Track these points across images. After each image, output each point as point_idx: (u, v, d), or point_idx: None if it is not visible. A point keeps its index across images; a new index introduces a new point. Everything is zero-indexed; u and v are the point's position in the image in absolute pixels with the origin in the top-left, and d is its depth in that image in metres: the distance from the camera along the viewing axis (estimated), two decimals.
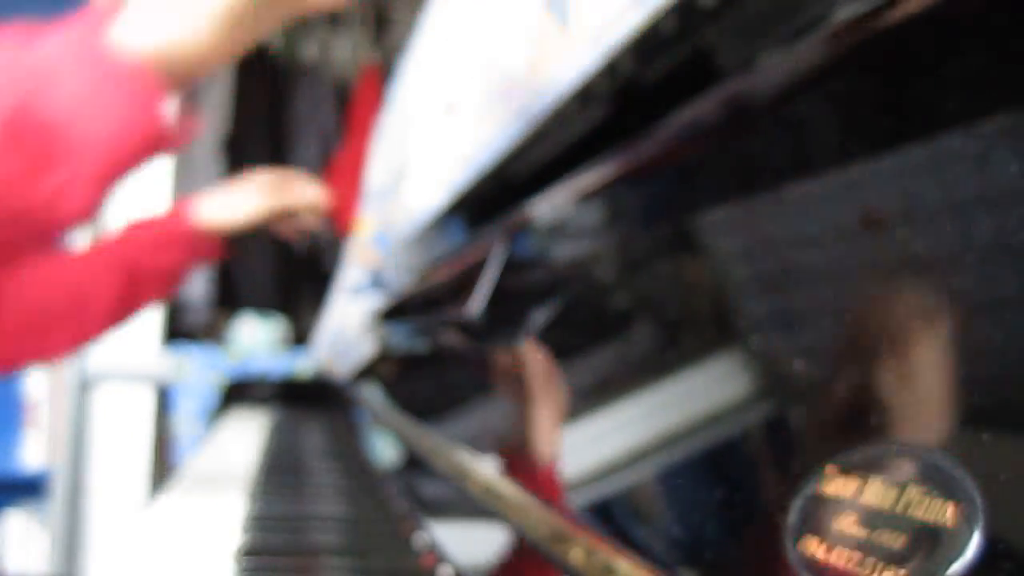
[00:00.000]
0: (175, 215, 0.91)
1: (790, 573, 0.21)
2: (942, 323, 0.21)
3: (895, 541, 0.19)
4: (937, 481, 0.18)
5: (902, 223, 0.23)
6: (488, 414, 0.56)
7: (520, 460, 0.43)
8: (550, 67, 0.56)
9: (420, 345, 0.88)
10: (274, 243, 2.54)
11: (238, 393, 1.27)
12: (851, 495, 0.20)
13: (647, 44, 0.43)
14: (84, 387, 1.98)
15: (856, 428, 0.22)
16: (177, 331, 2.29)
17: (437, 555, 0.46)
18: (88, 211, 0.50)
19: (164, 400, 2.10)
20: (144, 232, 0.88)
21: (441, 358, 0.77)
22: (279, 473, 0.73)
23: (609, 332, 0.41)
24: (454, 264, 0.74)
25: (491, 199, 0.71)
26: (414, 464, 0.66)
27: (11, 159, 0.45)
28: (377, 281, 1.29)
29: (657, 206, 0.41)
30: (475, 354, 0.63)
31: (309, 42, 2.71)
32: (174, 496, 0.71)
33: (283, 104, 2.61)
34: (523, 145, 0.60)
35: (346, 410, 1.13)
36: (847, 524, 0.20)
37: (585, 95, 0.51)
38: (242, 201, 0.94)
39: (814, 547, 0.21)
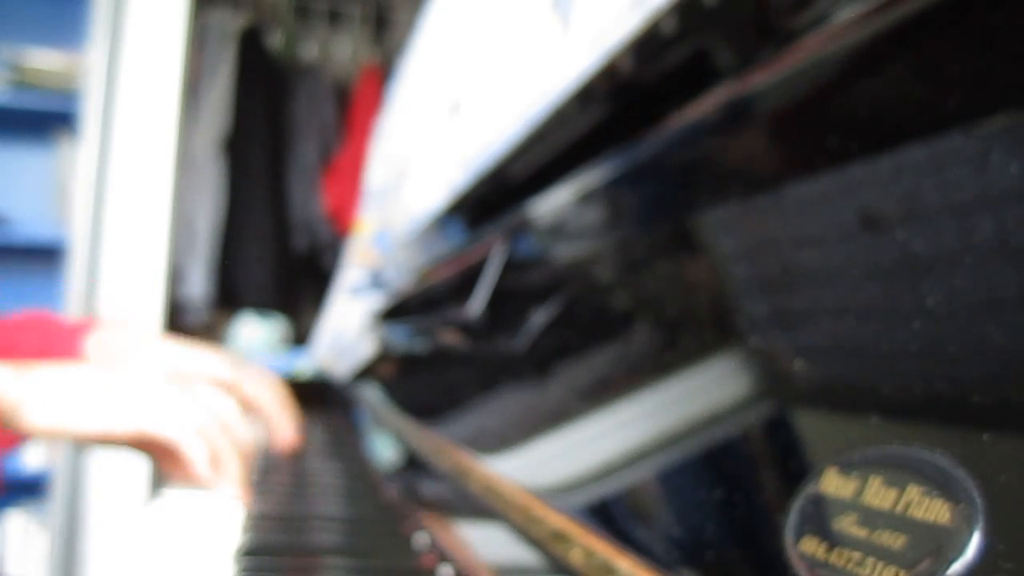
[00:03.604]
0: None
1: (790, 573, 0.21)
2: (941, 323, 0.21)
3: (895, 541, 0.19)
4: (937, 481, 0.18)
5: (902, 223, 0.23)
6: (488, 414, 0.56)
7: None
8: (551, 67, 0.56)
9: (420, 345, 0.88)
10: (274, 243, 2.54)
11: None
12: (851, 495, 0.20)
13: (647, 44, 0.43)
14: None
15: (856, 428, 0.22)
16: (177, 331, 2.29)
17: (437, 555, 0.46)
18: None
19: None
20: None
21: (441, 358, 0.77)
22: (279, 472, 0.73)
23: (609, 332, 0.41)
24: (454, 264, 0.74)
25: (491, 199, 0.71)
26: (414, 464, 0.66)
27: None
28: (377, 281, 1.29)
29: (657, 206, 0.41)
30: (475, 354, 0.63)
31: (309, 42, 2.71)
32: (174, 496, 0.71)
33: (283, 104, 2.61)
34: (523, 145, 0.60)
35: (346, 410, 1.13)
36: (847, 524, 0.20)
37: (585, 95, 0.51)
38: (104, 405, 0.59)
39: (814, 547, 0.21)
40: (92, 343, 0.71)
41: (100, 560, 1.91)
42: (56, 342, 0.70)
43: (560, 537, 0.34)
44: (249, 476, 0.63)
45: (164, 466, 0.65)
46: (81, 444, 0.62)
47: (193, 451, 0.59)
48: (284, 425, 0.70)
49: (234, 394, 0.69)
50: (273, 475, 0.71)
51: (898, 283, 0.23)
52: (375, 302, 1.22)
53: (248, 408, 0.69)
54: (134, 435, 0.60)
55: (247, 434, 0.63)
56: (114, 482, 1.98)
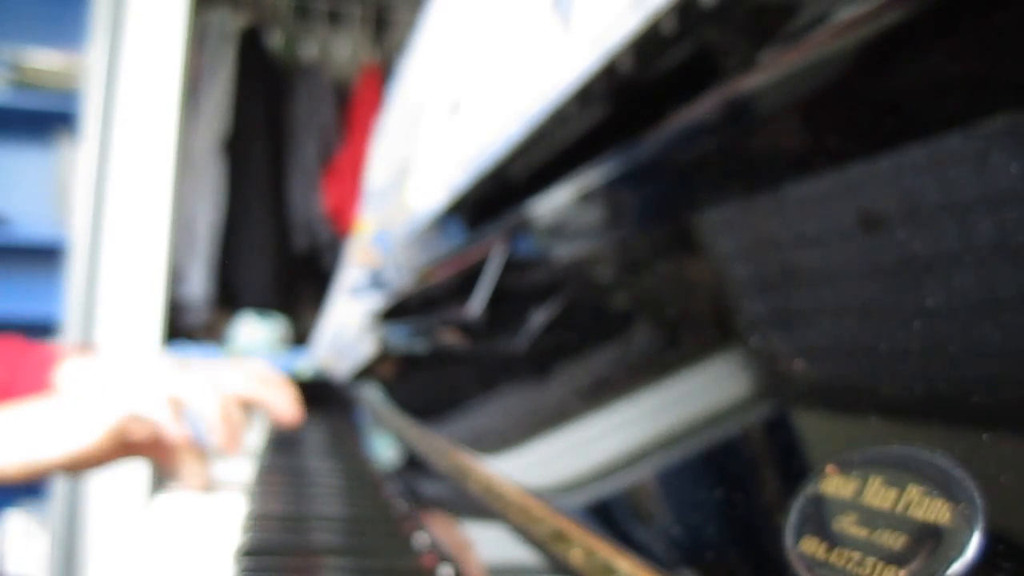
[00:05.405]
0: None
1: (790, 573, 0.21)
2: (942, 323, 0.21)
3: (895, 541, 0.19)
4: (937, 481, 0.18)
5: (902, 223, 0.23)
6: (488, 414, 0.56)
7: None
8: (551, 67, 0.56)
9: (420, 345, 0.88)
10: (274, 243, 2.54)
11: None
12: (851, 495, 0.20)
13: (647, 44, 0.43)
14: None
15: (856, 428, 0.22)
16: (177, 331, 2.29)
17: (437, 555, 0.46)
18: None
19: None
20: None
21: (441, 358, 0.77)
22: (279, 472, 0.73)
23: (609, 332, 0.41)
24: (454, 264, 0.74)
25: (491, 199, 0.71)
26: (414, 464, 0.66)
27: None
28: (377, 281, 1.29)
29: (657, 206, 0.41)
30: (475, 354, 0.63)
31: (309, 42, 2.71)
32: (174, 495, 0.71)
33: (283, 104, 2.61)
34: (523, 145, 0.60)
35: (346, 410, 1.13)
36: (847, 524, 0.20)
37: (585, 95, 0.51)
38: (83, 423, 0.59)
39: (814, 547, 0.21)
40: (63, 372, 0.69)
41: (100, 560, 1.91)
42: (24, 372, 0.69)
43: (560, 537, 0.34)
44: (241, 445, 0.63)
45: (160, 465, 0.65)
46: (72, 474, 0.63)
47: (169, 426, 0.60)
48: (283, 403, 0.72)
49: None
50: (273, 474, 0.71)
51: (898, 283, 0.23)
52: (375, 302, 1.22)
53: (244, 404, 0.71)
54: (112, 433, 0.59)
55: (238, 412, 0.63)
56: (114, 482, 1.98)
